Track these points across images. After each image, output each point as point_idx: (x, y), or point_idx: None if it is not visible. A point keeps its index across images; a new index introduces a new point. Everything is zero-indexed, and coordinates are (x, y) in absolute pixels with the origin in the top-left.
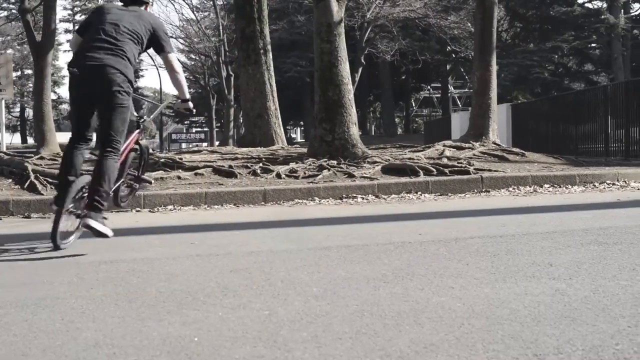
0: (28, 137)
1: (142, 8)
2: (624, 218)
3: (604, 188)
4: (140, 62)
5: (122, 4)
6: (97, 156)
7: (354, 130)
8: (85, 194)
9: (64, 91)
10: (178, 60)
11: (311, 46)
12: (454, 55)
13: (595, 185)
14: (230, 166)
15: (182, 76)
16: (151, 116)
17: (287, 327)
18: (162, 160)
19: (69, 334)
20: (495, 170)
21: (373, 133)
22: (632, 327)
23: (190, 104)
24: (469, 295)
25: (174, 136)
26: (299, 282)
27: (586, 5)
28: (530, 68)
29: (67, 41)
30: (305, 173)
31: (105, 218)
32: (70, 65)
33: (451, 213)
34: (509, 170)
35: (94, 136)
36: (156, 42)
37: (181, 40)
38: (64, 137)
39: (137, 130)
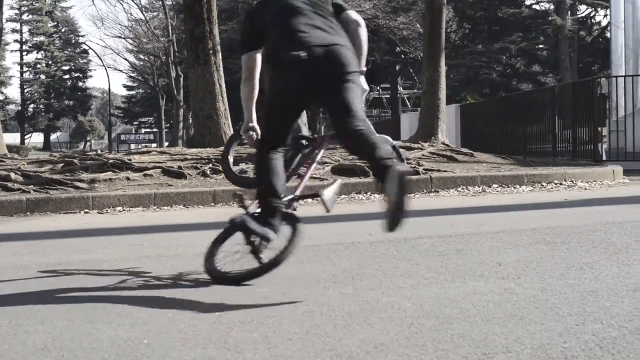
0: None
1: None
2: (571, 217)
3: (552, 188)
4: (89, 62)
5: None
6: None
7: (305, 131)
8: None
9: (10, 91)
10: None
11: None
12: (403, 56)
13: (543, 185)
14: (179, 167)
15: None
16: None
17: (237, 328)
18: (111, 161)
19: (17, 337)
20: (444, 171)
21: (323, 133)
22: (580, 325)
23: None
24: (419, 295)
25: (122, 137)
26: (249, 282)
27: (534, 7)
28: (478, 69)
29: (15, 41)
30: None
31: None
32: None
33: None
34: (458, 171)
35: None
36: None
37: (130, 41)
38: (11, 138)
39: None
